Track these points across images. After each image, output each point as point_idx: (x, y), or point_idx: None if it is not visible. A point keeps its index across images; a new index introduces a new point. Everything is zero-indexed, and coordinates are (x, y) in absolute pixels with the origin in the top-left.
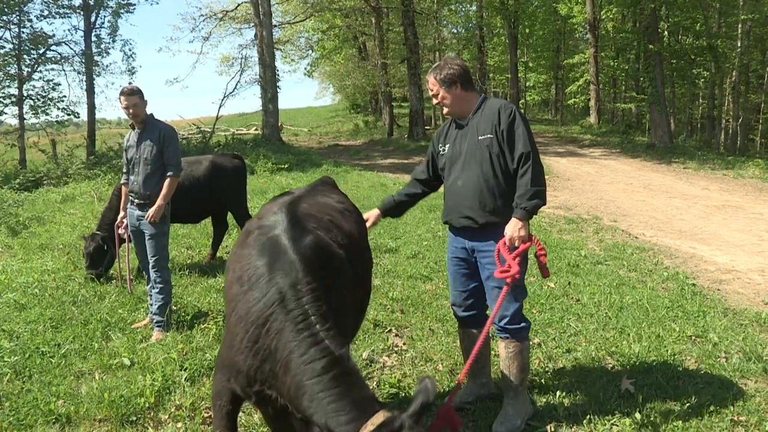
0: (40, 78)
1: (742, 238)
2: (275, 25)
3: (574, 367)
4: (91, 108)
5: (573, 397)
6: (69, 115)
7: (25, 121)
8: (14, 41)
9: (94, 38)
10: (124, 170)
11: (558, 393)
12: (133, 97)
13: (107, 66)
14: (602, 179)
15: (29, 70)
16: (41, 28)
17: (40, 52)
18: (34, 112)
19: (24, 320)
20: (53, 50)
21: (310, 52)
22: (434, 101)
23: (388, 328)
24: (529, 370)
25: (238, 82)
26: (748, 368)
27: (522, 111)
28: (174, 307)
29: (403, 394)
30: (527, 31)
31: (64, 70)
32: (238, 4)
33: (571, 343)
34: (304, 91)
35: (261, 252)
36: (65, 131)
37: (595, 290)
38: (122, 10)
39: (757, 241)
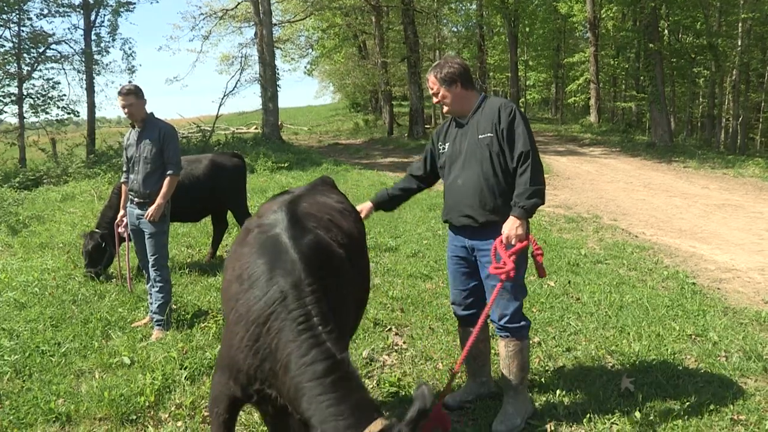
0: (40, 77)
1: (742, 237)
2: (275, 24)
3: (574, 366)
4: (91, 107)
5: (573, 396)
6: (69, 113)
7: (25, 119)
8: (14, 40)
9: (93, 37)
10: (124, 169)
11: (558, 392)
12: (129, 96)
13: (107, 65)
14: (602, 178)
15: (29, 68)
16: (41, 27)
17: (40, 50)
18: (34, 110)
19: (24, 319)
20: (53, 49)
21: (310, 50)
22: (434, 100)
23: (388, 327)
24: (529, 369)
25: (238, 80)
26: (748, 367)
27: (522, 110)
28: (174, 306)
29: (403, 393)
30: (527, 29)
31: (63, 69)
32: (238, 3)
33: (571, 341)
34: (304, 89)
35: (261, 250)
36: (65, 130)
37: (595, 289)
38: (122, 9)
39: (757, 240)
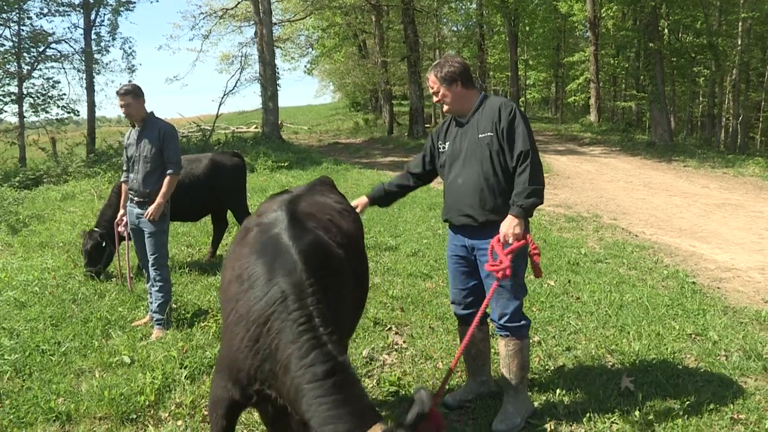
0: (40, 76)
1: (742, 237)
2: (275, 23)
3: (574, 365)
4: (91, 106)
5: (573, 395)
6: (69, 113)
7: (25, 119)
8: (14, 39)
9: (93, 36)
10: (124, 168)
11: (558, 391)
12: (127, 96)
13: (107, 64)
14: (602, 177)
15: (29, 68)
16: (41, 26)
17: (40, 49)
18: (34, 110)
19: (24, 318)
20: (53, 48)
21: (310, 50)
22: (435, 99)
23: (388, 326)
24: (529, 368)
25: (238, 80)
26: (747, 366)
27: (522, 109)
28: (174, 305)
29: (403, 392)
30: (527, 29)
31: (63, 68)
32: (238, 2)
33: (571, 341)
34: (304, 89)
35: (261, 250)
36: (65, 129)
37: (595, 288)
38: (122, 8)
39: (757, 239)
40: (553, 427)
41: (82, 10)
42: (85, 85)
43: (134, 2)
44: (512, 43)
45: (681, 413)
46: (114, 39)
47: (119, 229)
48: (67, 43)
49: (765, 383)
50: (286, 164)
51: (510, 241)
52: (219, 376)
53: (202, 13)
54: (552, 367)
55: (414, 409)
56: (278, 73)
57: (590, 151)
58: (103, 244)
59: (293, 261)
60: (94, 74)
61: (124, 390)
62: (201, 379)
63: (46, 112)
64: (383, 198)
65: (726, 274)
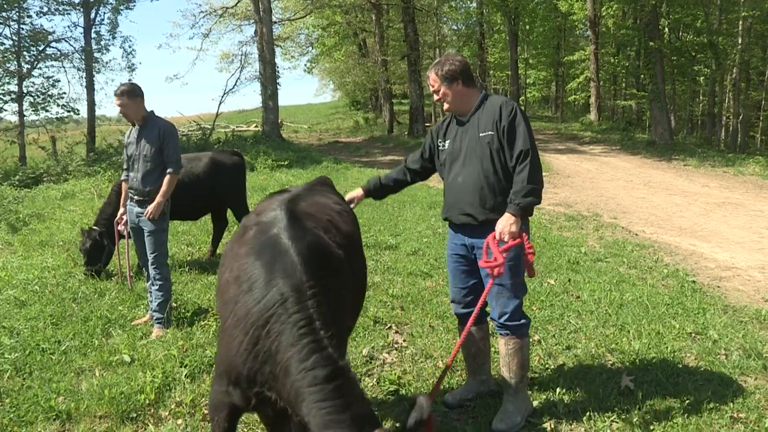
0: (40, 75)
1: (742, 235)
2: (275, 22)
3: (574, 364)
4: (91, 105)
5: (573, 394)
6: (69, 111)
7: (24, 118)
8: (14, 38)
9: (93, 35)
10: (125, 167)
11: (558, 390)
12: (122, 97)
13: (107, 63)
14: (602, 176)
15: (29, 66)
16: (41, 25)
17: (40, 48)
18: (33, 108)
19: (24, 317)
20: (53, 47)
21: (310, 48)
22: (435, 97)
23: (388, 325)
24: (529, 367)
25: (238, 78)
26: (747, 365)
27: (522, 108)
28: (174, 304)
29: (403, 391)
30: (527, 27)
31: (63, 67)
32: (238, 1)
33: (571, 340)
34: (304, 87)
35: (260, 251)
36: (65, 128)
37: (595, 287)
38: (122, 7)
39: (757, 238)
40: (553, 426)
41: (82, 9)
42: (85, 83)
43: (134, 1)
44: (512, 41)
45: (681, 412)
46: (114, 38)
47: (119, 227)
48: (67, 41)
49: (765, 382)
50: (286, 163)
51: (505, 239)
52: (218, 379)
53: (202, 11)
54: (552, 366)
55: (413, 415)
56: (278, 71)
57: (590, 149)
58: (105, 243)
59: (292, 262)
60: (94, 73)
61: (124, 389)
62: (201, 378)
63: (46, 110)
64: (379, 191)
65: (726, 273)
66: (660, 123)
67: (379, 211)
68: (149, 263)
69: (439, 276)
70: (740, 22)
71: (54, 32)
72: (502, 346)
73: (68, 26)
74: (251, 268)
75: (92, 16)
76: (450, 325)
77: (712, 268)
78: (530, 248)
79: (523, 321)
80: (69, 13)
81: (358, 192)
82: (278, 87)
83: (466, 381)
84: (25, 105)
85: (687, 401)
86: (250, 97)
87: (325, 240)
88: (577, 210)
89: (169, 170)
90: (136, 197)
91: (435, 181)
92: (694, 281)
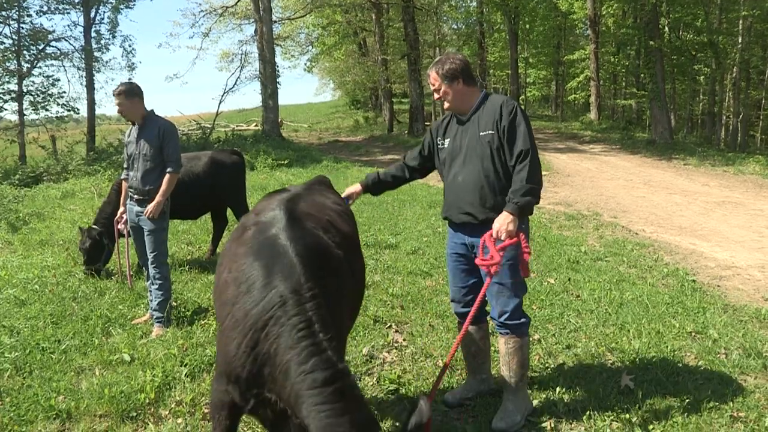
0: (40, 74)
1: (742, 235)
2: (275, 21)
3: (574, 363)
4: (91, 104)
5: (573, 393)
6: (69, 111)
7: (24, 117)
8: (14, 37)
9: (93, 34)
10: (125, 166)
11: (558, 389)
12: (119, 97)
13: (107, 62)
14: (602, 175)
15: (29, 65)
16: (41, 24)
17: (40, 47)
18: (33, 108)
19: (24, 316)
20: (53, 46)
21: (310, 47)
22: (435, 96)
23: (388, 324)
24: (529, 366)
25: (238, 77)
26: (747, 364)
27: (523, 107)
28: (174, 303)
29: (403, 390)
30: (527, 27)
31: (63, 66)
32: (238, 0)
33: (571, 339)
34: (304, 87)
35: (259, 251)
36: (65, 127)
37: (595, 286)
38: (122, 6)
39: (757, 237)
40: (552, 425)
41: (81, 8)
42: (85, 83)
43: (134, 0)
44: (512, 41)
45: (681, 411)
46: (114, 37)
47: (119, 226)
48: (66, 40)
49: (765, 381)
50: (286, 162)
51: (502, 238)
52: (218, 379)
53: (202, 10)
54: (552, 365)
55: (413, 419)
56: (278, 70)
57: (590, 149)
58: (105, 242)
59: (292, 263)
60: (94, 72)
61: (124, 388)
62: (201, 377)
63: (46, 110)
64: (377, 186)
65: (726, 272)
66: (660, 122)
67: (379, 210)
68: (149, 262)
69: (439, 275)
70: (740, 21)
71: (54, 31)
72: (502, 345)
73: (68, 25)
74: (250, 269)
75: (92, 15)
76: (450, 324)
77: (712, 267)
78: (527, 248)
79: (523, 320)
80: (69, 12)
81: (356, 187)
82: (278, 86)
83: (466, 380)
84: (25, 104)
85: (687, 400)
86: (250, 96)
87: (324, 240)
88: (577, 209)
89: (169, 169)
90: (135, 196)
91: (435, 180)
92: (694, 280)
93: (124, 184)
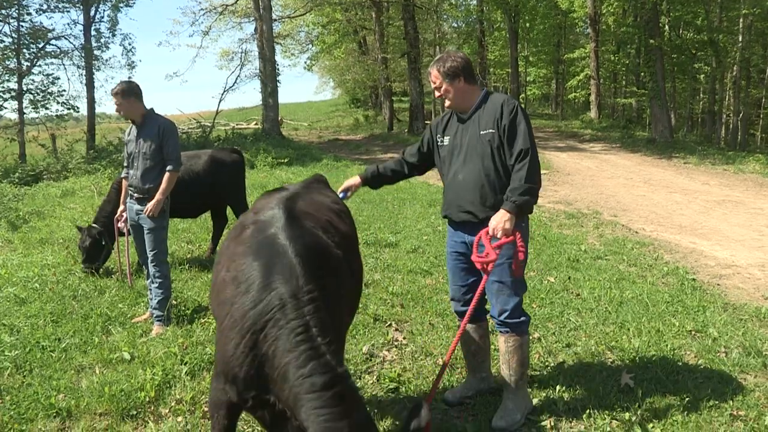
0: (40, 72)
1: (742, 233)
2: (275, 19)
3: (574, 362)
4: (91, 102)
5: (573, 392)
6: (69, 109)
7: (24, 115)
8: (13, 35)
9: (93, 32)
10: (125, 164)
11: (558, 387)
12: (116, 97)
13: (107, 60)
14: (602, 174)
15: (29, 64)
16: (40, 22)
17: (40, 46)
18: (33, 106)
19: (24, 314)
20: (53, 44)
21: (310, 46)
22: (436, 94)
23: (388, 323)
24: (529, 365)
25: (238, 76)
26: (747, 363)
27: (523, 106)
28: (174, 302)
29: (403, 389)
30: (528, 25)
31: (63, 65)
32: None
33: (571, 337)
34: (304, 85)
35: (258, 251)
36: (65, 126)
37: (595, 285)
38: (122, 4)
39: (757, 236)
40: (552, 424)
41: (81, 7)
42: (84, 81)
43: None
44: (512, 39)
45: (680, 409)
46: (114, 35)
47: (119, 224)
48: (66, 39)
49: (765, 380)
50: (286, 161)
51: (498, 236)
52: (217, 378)
53: (202, 9)
54: (552, 364)
55: (412, 422)
56: (278, 69)
57: (590, 147)
58: (103, 242)
59: (291, 264)
60: (93, 70)
61: (124, 386)
62: (201, 376)
63: (46, 108)
64: (376, 179)
65: (726, 270)
66: (660, 121)
67: (379, 208)
68: (149, 261)
69: (439, 274)
70: (741, 20)
71: (54, 29)
72: (501, 344)
73: (68, 23)
74: (249, 269)
75: (92, 13)
76: (450, 323)
77: (712, 266)
78: (522, 247)
79: (523, 318)
80: (69, 11)
81: (355, 180)
82: (278, 84)
83: (466, 378)
84: (25, 102)
85: (687, 399)
86: (250, 95)
87: (323, 240)
88: (577, 208)
89: (168, 168)
90: (135, 195)
91: (435, 179)
92: (694, 279)
93: (124, 183)
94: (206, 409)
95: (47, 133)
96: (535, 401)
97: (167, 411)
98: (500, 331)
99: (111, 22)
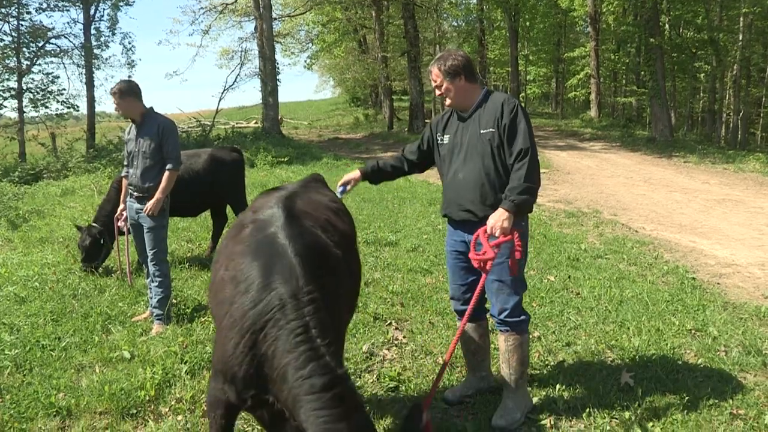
0: (40, 71)
1: (742, 232)
2: (275, 18)
3: (574, 361)
4: (91, 101)
5: (573, 391)
6: (68, 108)
7: (24, 114)
8: (13, 34)
9: (93, 31)
10: (125, 163)
11: (558, 386)
12: (114, 97)
13: (107, 59)
14: (602, 173)
15: (28, 63)
16: (40, 21)
17: (40, 45)
18: (33, 105)
19: (24, 313)
20: (52, 43)
21: (310, 45)
22: (437, 92)
23: (388, 321)
24: (529, 364)
25: (238, 75)
26: (747, 362)
27: (523, 105)
28: (174, 301)
29: (403, 388)
30: (528, 24)
31: (63, 63)
32: None
33: (571, 336)
34: (304, 84)
35: (257, 251)
36: (65, 124)
37: (595, 284)
38: (121, 3)
39: (757, 235)
40: (552, 423)
41: (81, 5)
42: (84, 80)
43: None
44: (512, 38)
45: (680, 408)
46: (113, 34)
47: (119, 223)
48: (66, 38)
49: (764, 379)
50: (286, 159)
51: (496, 234)
52: (215, 377)
53: (202, 8)
54: (552, 363)
55: (411, 424)
56: (278, 68)
57: (590, 146)
58: (102, 241)
59: (291, 264)
60: (93, 69)
61: (124, 385)
62: (201, 374)
63: (46, 107)
64: (376, 174)
65: (726, 269)
66: (660, 120)
67: (379, 207)
68: (149, 260)
69: (439, 273)
70: (741, 19)
71: (53, 28)
72: (501, 343)
73: (68, 22)
74: (248, 268)
75: (92, 12)
76: (450, 322)
77: (712, 265)
78: (519, 246)
79: (522, 317)
80: (68, 10)
81: (355, 173)
82: (278, 83)
83: (465, 377)
84: (25, 101)
85: (686, 398)
86: (250, 94)
87: (322, 239)
88: (577, 207)
89: (168, 167)
90: (135, 193)
91: (434, 178)
92: (694, 278)
93: (124, 182)
94: (206, 408)
95: (47, 131)
96: (535, 400)
97: (167, 410)
98: (500, 330)
99: (111, 20)
